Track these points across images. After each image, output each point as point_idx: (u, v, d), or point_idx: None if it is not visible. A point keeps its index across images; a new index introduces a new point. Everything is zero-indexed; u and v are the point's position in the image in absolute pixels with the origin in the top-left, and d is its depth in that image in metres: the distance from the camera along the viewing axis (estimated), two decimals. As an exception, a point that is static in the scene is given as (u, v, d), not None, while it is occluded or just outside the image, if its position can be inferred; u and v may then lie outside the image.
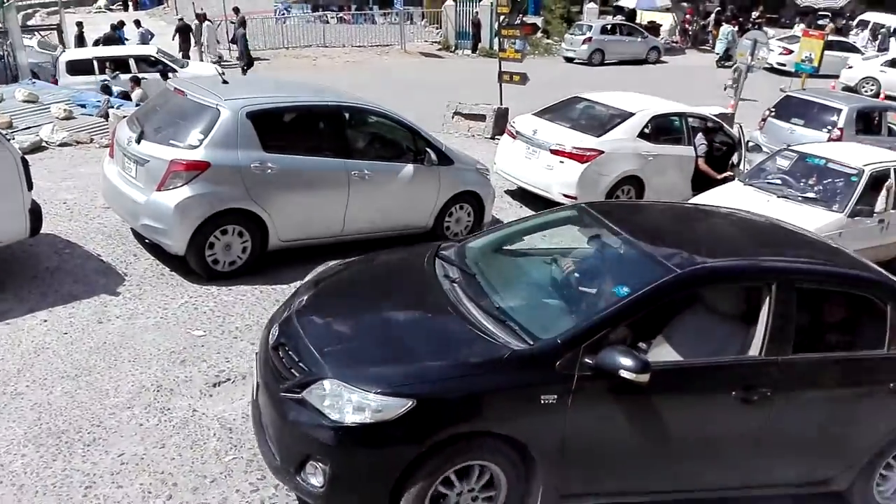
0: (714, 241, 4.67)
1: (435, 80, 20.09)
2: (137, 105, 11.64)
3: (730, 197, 8.33)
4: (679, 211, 5.47)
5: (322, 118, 7.32)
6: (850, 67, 22.47)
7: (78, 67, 15.28)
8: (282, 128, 6.99)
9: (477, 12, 25.10)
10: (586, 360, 3.55)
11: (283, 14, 27.97)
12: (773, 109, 12.63)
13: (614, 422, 3.70)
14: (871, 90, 21.30)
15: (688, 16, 29.71)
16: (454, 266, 4.44)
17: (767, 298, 3.95)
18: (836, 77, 22.18)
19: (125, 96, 13.83)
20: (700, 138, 9.80)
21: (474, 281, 4.25)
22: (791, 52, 21.46)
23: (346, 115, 7.47)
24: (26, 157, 6.65)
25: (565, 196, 9.19)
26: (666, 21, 29.09)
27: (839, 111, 11.79)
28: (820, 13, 36.02)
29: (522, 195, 10.01)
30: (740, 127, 10.20)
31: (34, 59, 16.41)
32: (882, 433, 4.25)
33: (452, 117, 13.93)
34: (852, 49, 24.73)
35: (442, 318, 3.97)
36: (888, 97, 19.69)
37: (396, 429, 3.36)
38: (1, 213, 5.86)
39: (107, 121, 11.35)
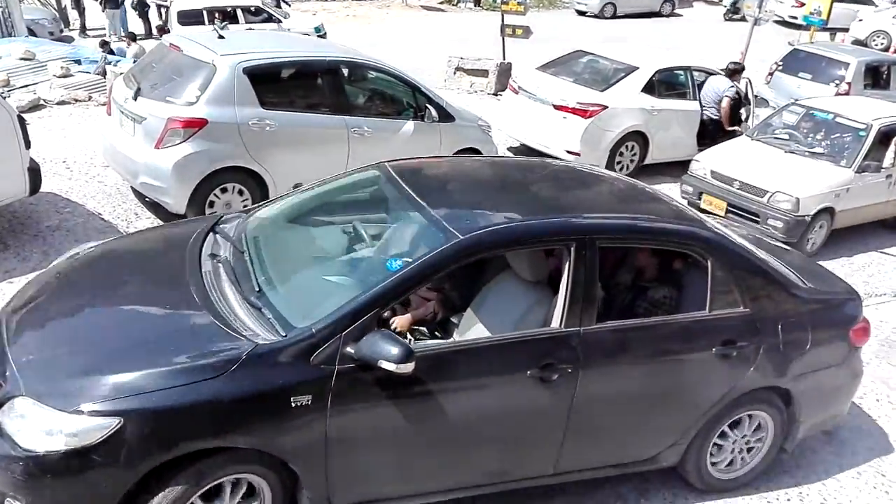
0: (520, 200, 4.04)
1: (437, 34, 19.78)
2: (134, 62, 11.49)
3: (737, 152, 8.28)
4: (500, 168, 4.77)
5: (321, 73, 7.19)
6: (861, 20, 22.03)
7: (188, 17, 15.63)
8: (279, 84, 6.89)
9: (480, -35, 24.62)
10: (348, 350, 3.03)
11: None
12: (780, 63, 12.44)
13: (388, 420, 3.19)
14: (882, 44, 20.92)
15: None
16: (229, 242, 3.82)
17: (567, 262, 3.48)
18: (846, 30, 21.76)
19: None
20: (726, 82, 9.61)
21: (242, 259, 3.64)
22: (803, 4, 20.99)
23: (345, 71, 7.37)
24: (24, 115, 6.59)
25: (568, 152, 9.11)
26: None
27: (847, 65, 11.65)
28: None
29: (526, 152, 9.91)
30: (749, 81, 10.04)
31: (31, 16, 16.15)
32: (710, 402, 3.85)
33: (455, 73, 13.74)
34: (865, 1, 24.20)
35: (184, 310, 3.31)
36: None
37: (101, 455, 2.75)
38: (-1, 171, 5.83)
39: (104, 78, 11.21)
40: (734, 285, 3.83)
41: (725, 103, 9.42)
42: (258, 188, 6.61)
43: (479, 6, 24.36)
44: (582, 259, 3.48)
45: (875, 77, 11.99)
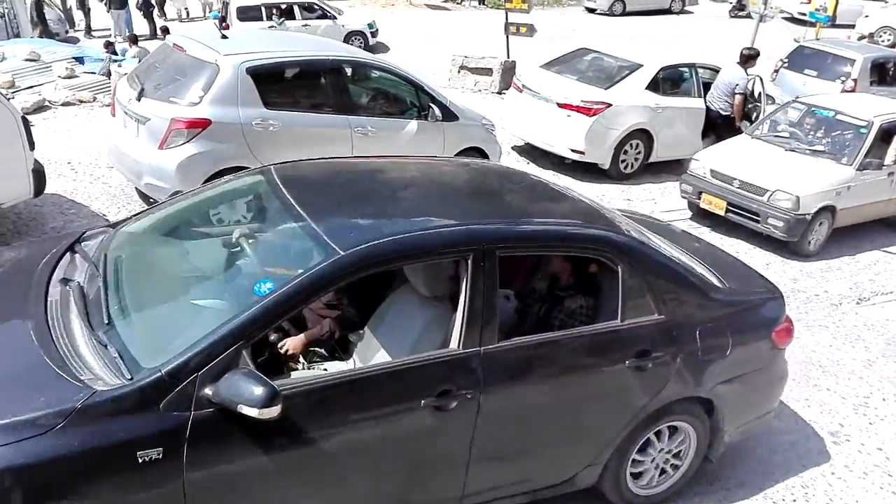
0: (417, 208, 3.62)
1: (441, 33, 19.76)
2: (139, 62, 11.52)
3: (736, 151, 8.22)
4: (403, 172, 4.26)
5: (324, 73, 7.18)
6: (867, 16, 21.91)
7: (248, 12, 16.20)
8: (283, 83, 6.90)
9: (484, -37, 24.56)
10: (206, 392, 2.59)
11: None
12: (785, 60, 12.38)
13: (259, 469, 2.75)
14: (889, 39, 20.79)
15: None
16: (87, 262, 3.30)
17: (465, 275, 3.14)
18: (853, 27, 21.65)
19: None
20: (738, 71, 9.27)
21: (96, 283, 3.12)
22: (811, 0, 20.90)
23: (348, 70, 7.37)
24: (28, 116, 6.61)
25: (573, 151, 9.11)
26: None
27: (853, 61, 11.58)
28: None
29: (530, 151, 9.90)
30: (760, 79, 9.99)
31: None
32: (627, 417, 3.60)
33: (459, 71, 13.72)
34: None
35: (14, 351, 2.80)
36: (906, 46, 19.24)
37: None
38: (3, 173, 5.84)
39: (109, 79, 11.24)
40: (648, 292, 3.56)
41: (738, 99, 9.14)
42: (262, 188, 6.60)
43: (483, 4, 24.33)
44: (480, 271, 3.13)
45: (882, 73, 11.91)
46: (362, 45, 16.88)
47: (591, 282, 3.83)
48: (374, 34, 17.98)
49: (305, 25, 16.77)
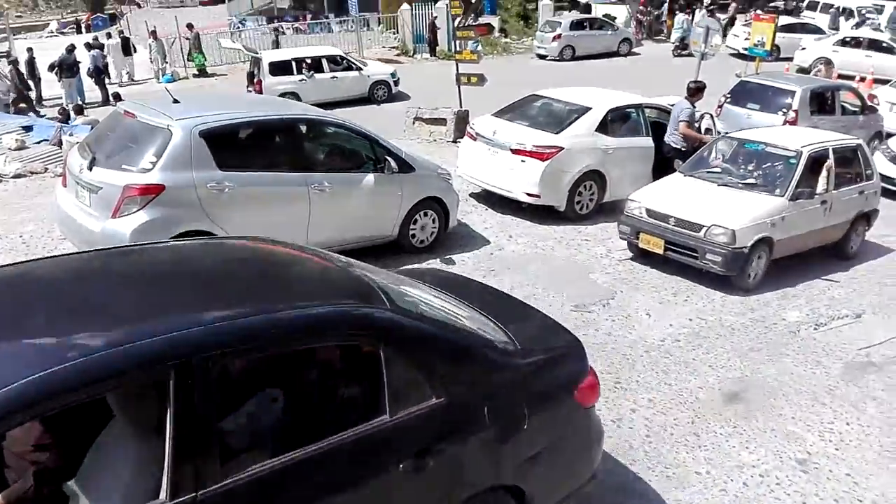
0: (99, 318, 2.73)
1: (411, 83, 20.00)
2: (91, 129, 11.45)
3: (671, 189, 8.31)
4: (101, 265, 3.44)
5: (278, 132, 7.26)
6: (804, 49, 22.85)
7: (279, 68, 17.10)
8: (237, 144, 6.90)
9: (435, 16, 25.09)
10: None
11: (238, 27, 27.73)
12: (728, 95, 12.79)
13: None
14: (824, 70, 21.63)
15: (641, 7, 30.00)
16: None
17: (168, 400, 2.45)
18: (791, 59, 22.56)
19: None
20: (684, 103, 9.64)
21: None
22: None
23: (303, 128, 7.44)
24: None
25: (529, 195, 9.24)
26: (620, 14, 29.32)
27: (793, 93, 11.97)
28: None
29: (488, 197, 10.02)
30: (710, 116, 10.31)
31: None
32: None
33: (413, 123, 13.91)
34: (815, 30, 25.12)
35: None
36: (841, 76, 20.05)
37: None
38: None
39: (60, 148, 11.13)
40: (421, 373, 3.03)
41: (682, 127, 9.43)
42: (219, 251, 6.54)
43: (434, 56, 24.80)
44: (189, 393, 2.46)
45: (821, 103, 12.37)
46: (386, 93, 18.38)
47: (357, 370, 3.14)
48: (396, 83, 18.80)
49: (334, 78, 17.74)
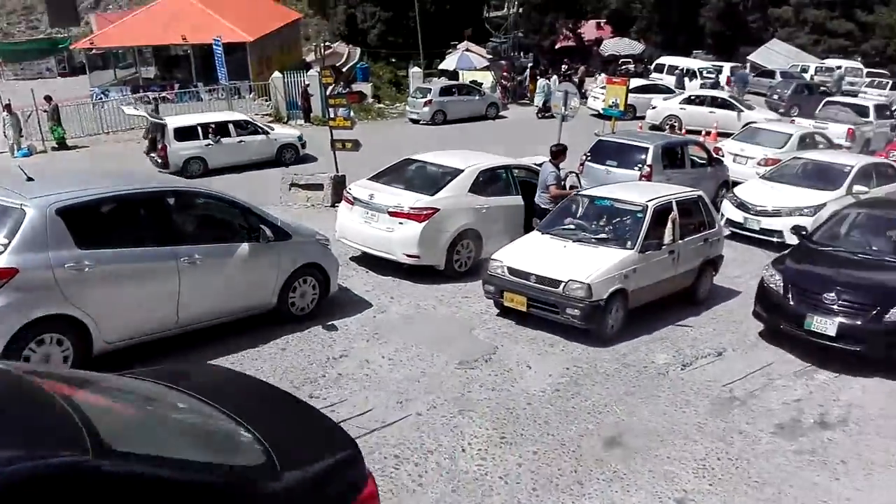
0: None
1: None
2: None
3: (530, 247, 8.56)
4: None
5: (142, 206, 6.98)
6: (654, 108, 24.77)
7: (185, 133, 16.94)
8: (98, 221, 6.57)
9: (307, 83, 25.27)
10: None
11: (101, 98, 26.71)
12: (588, 154, 13.57)
13: None
14: (675, 126, 23.52)
15: (504, 73, 31.58)
16: None
17: None
18: (643, 118, 24.38)
19: None
20: (549, 166, 10.13)
21: None
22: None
23: (170, 200, 7.19)
24: None
25: (408, 256, 9.36)
26: (486, 80, 30.75)
27: (646, 150, 12.87)
28: (623, 60, 39.78)
29: (368, 260, 10.03)
30: (576, 175, 10.86)
31: None
32: None
33: (290, 189, 13.81)
34: (665, 90, 27.29)
35: None
36: (689, 132, 21.87)
37: None
38: None
39: None
40: None
41: (552, 191, 9.94)
42: (80, 336, 6.15)
43: (309, 122, 24.88)
44: None
45: (671, 157, 13.40)
46: (294, 156, 18.51)
47: None
48: (303, 146, 18.98)
49: (241, 142, 17.70)
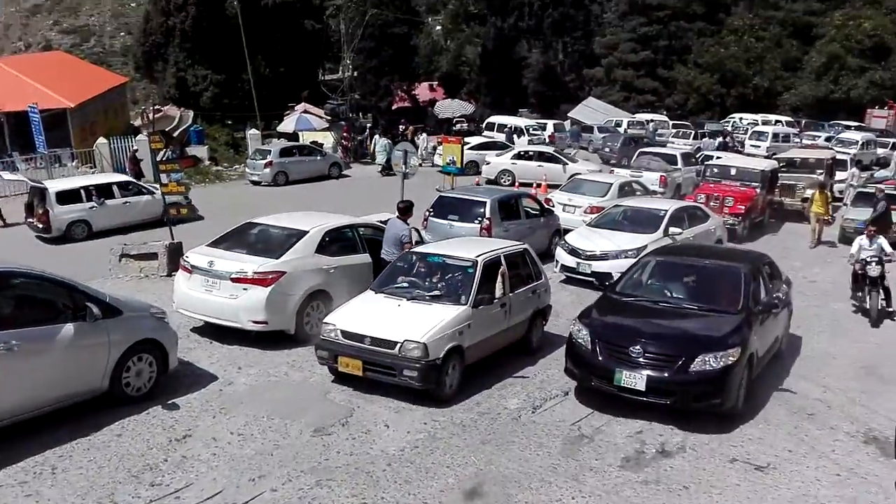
0: None
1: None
2: None
3: (364, 308, 8.32)
4: None
5: (-54, 291, 6.25)
6: (489, 163, 25.99)
7: (67, 197, 16.53)
8: None
9: (135, 149, 24.06)
10: None
11: None
12: (431, 210, 13.94)
13: None
14: (508, 181, 24.80)
15: (345, 133, 31.93)
16: None
17: None
18: (479, 174, 25.49)
19: None
20: (398, 223, 10.25)
21: None
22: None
23: (-20, 283, 6.50)
24: None
25: (255, 322, 9.05)
26: (327, 140, 30.88)
27: (485, 203, 13.44)
28: (457, 119, 41.56)
29: (212, 329, 9.56)
30: (418, 230, 11.03)
31: None
32: None
33: (120, 260, 12.93)
34: (502, 146, 28.69)
35: None
36: (521, 184, 23.11)
37: None
38: None
39: None
40: None
41: (407, 248, 9.90)
42: None
43: (142, 187, 23.60)
44: None
45: (508, 210, 14.07)
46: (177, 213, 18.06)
47: None
48: (188, 204, 18.29)
49: (126, 203, 17.58)
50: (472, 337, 8.14)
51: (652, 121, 40.38)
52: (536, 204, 15.35)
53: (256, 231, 10.20)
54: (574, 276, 12.91)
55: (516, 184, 23.82)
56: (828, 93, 48.96)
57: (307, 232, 9.80)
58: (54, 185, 17.17)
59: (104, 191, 17.32)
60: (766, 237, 17.79)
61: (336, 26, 37.51)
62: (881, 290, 11.61)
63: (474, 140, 29.23)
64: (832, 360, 9.54)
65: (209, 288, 9.23)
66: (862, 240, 12.13)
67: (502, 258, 8.90)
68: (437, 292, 8.41)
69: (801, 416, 7.91)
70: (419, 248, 9.60)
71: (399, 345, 7.60)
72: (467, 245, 9.52)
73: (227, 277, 9.10)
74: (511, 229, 13.35)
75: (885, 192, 17.09)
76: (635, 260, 11.55)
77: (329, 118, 33.77)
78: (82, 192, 16.95)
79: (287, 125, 33.48)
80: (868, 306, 11.61)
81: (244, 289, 9.03)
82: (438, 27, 60.47)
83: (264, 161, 25.34)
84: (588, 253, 12.83)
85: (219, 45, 38.53)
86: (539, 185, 22.39)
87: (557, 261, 13.21)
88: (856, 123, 42.51)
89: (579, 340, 8.03)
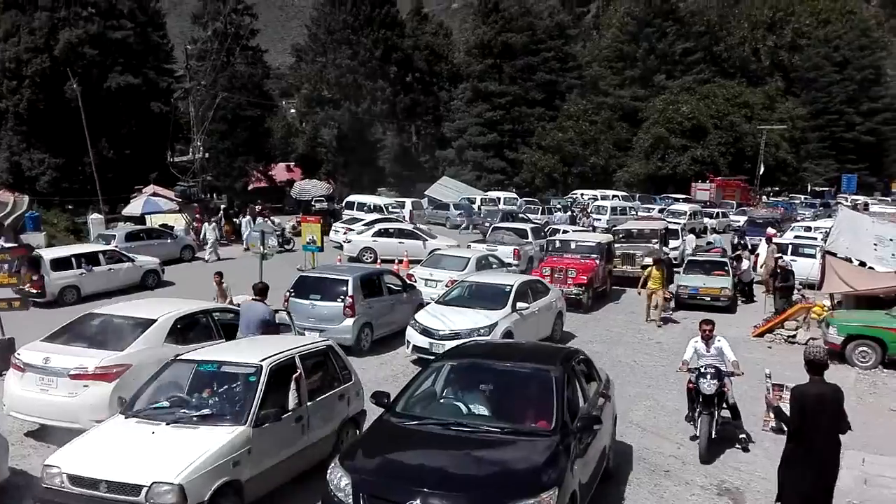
0: None
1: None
2: None
3: (105, 441, 6.56)
4: None
5: None
6: (349, 241, 26.04)
7: (61, 263, 18.18)
8: None
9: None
10: None
11: None
12: (292, 290, 13.67)
13: None
14: (370, 258, 24.90)
15: (197, 215, 30.91)
16: None
17: None
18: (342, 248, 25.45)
19: None
20: (258, 304, 9.91)
21: None
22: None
23: None
24: None
25: (97, 423, 8.28)
26: (178, 223, 29.71)
27: (346, 282, 13.36)
28: (316, 199, 41.52)
29: (53, 433, 8.65)
30: (287, 312, 10.73)
31: None
32: None
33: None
34: (367, 224, 28.87)
35: None
36: (383, 261, 23.29)
37: None
38: None
39: None
40: None
41: (270, 330, 9.63)
42: None
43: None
44: None
45: (370, 287, 14.06)
46: (156, 280, 20.54)
47: None
48: (163, 272, 21.09)
49: (110, 269, 19.26)
50: (254, 466, 6.55)
51: (513, 199, 42.55)
52: (399, 280, 15.49)
53: (98, 322, 9.52)
54: (427, 357, 11.97)
55: (378, 261, 23.96)
56: (656, 169, 54.24)
57: (155, 320, 9.28)
58: (49, 253, 19.10)
59: (92, 259, 18.96)
60: (610, 304, 18.76)
61: (185, 108, 36.71)
62: (717, 412, 8.82)
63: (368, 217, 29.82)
64: (682, 415, 10.13)
65: (45, 387, 8.46)
66: (697, 342, 9.39)
67: (297, 360, 7.44)
68: (207, 411, 6.73)
69: (659, 473, 8.29)
70: (189, 355, 7.67)
71: (145, 489, 5.84)
72: (252, 347, 8.02)
73: (66, 374, 8.43)
74: (374, 306, 13.35)
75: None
76: (487, 337, 11.35)
77: (179, 200, 32.56)
78: (73, 259, 18.59)
79: (134, 208, 31.93)
80: (698, 433, 8.83)
81: (85, 385, 8.38)
82: (293, 110, 60.95)
83: (108, 246, 23.87)
84: (441, 332, 12.26)
85: (57, 127, 36.59)
86: (401, 262, 22.66)
87: (409, 341, 12.70)
88: (683, 196, 47.00)
89: (338, 496, 5.69)
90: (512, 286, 13.42)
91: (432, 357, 11.00)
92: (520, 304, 13.06)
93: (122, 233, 25.18)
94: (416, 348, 12.58)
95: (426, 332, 12.49)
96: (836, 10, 71.65)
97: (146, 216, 30.69)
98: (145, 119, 40.10)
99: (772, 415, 7.09)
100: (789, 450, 6.49)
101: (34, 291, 16.97)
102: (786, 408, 6.76)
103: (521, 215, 34.95)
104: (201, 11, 46.96)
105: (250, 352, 7.57)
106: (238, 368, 7.16)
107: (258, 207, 33.42)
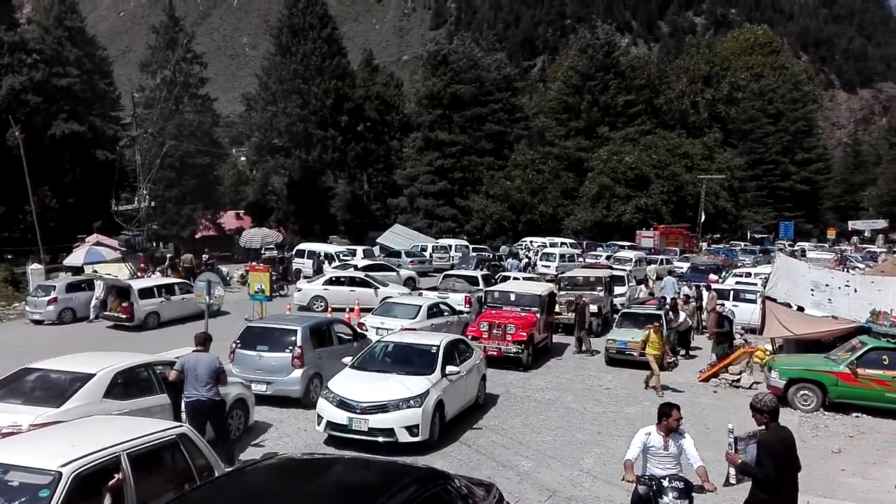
0: None
1: None
2: None
3: None
4: None
5: None
6: (300, 290, 25.73)
7: (146, 293, 21.35)
8: None
9: None
10: None
11: None
12: (238, 341, 13.36)
13: None
14: (321, 307, 24.62)
15: (142, 265, 30.22)
16: None
17: None
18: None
19: None
20: (204, 356, 9.52)
21: None
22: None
23: None
24: None
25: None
26: (121, 273, 28.93)
27: (295, 331, 13.12)
28: (266, 247, 41.10)
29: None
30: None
31: None
32: None
33: None
34: (315, 273, 28.70)
35: None
36: (334, 310, 23.07)
37: None
38: None
39: None
40: None
41: (223, 378, 9.38)
42: None
43: None
44: None
45: (320, 337, 13.83)
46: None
47: None
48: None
49: (183, 298, 21.43)
50: None
51: (465, 246, 42.99)
52: (349, 329, 15.31)
53: (34, 377, 9.13)
54: (345, 435, 10.21)
55: (329, 310, 23.71)
56: (602, 217, 55.51)
57: (93, 375, 8.96)
58: (138, 284, 22.02)
59: (168, 289, 22.13)
60: (553, 360, 17.85)
61: (132, 156, 36.22)
62: None
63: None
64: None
65: (-28, 448, 7.98)
66: (650, 434, 6.74)
67: (124, 459, 5.38)
68: None
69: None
70: None
71: None
72: (59, 436, 5.86)
73: (-3, 433, 7.96)
74: (324, 356, 13.14)
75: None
76: (419, 409, 10.25)
77: (124, 249, 31.82)
78: (155, 289, 21.76)
79: (75, 258, 31.04)
80: None
81: (16, 445, 7.91)
82: (243, 158, 60.69)
83: (48, 297, 23.05)
84: (364, 405, 10.25)
85: (-4, 175, 35.52)
86: (352, 310, 22.46)
87: (320, 416, 10.58)
88: (629, 243, 48.09)
89: None
90: (439, 346, 11.73)
91: (351, 435, 10.05)
92: (449, 368, 11.40)
93: (62, 283, 24.37)
94: (331, 425, 10.39)
95: (344, 404, 10.35)
96: (769, 65, 75.36)
97: (85, 266, 29.86)
98: (90, 167, 39.41)
99: (733, 471, 6.81)
100: (760, 499, 6.39)
101: (124, 317, 20.51)
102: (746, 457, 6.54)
103: (489, 260, 35.41)
104: (149, 59, 46.85)
105: (49, 449, 5.37)
106: (26, 475, 5.02)
107: (205, 256, 32.91)
